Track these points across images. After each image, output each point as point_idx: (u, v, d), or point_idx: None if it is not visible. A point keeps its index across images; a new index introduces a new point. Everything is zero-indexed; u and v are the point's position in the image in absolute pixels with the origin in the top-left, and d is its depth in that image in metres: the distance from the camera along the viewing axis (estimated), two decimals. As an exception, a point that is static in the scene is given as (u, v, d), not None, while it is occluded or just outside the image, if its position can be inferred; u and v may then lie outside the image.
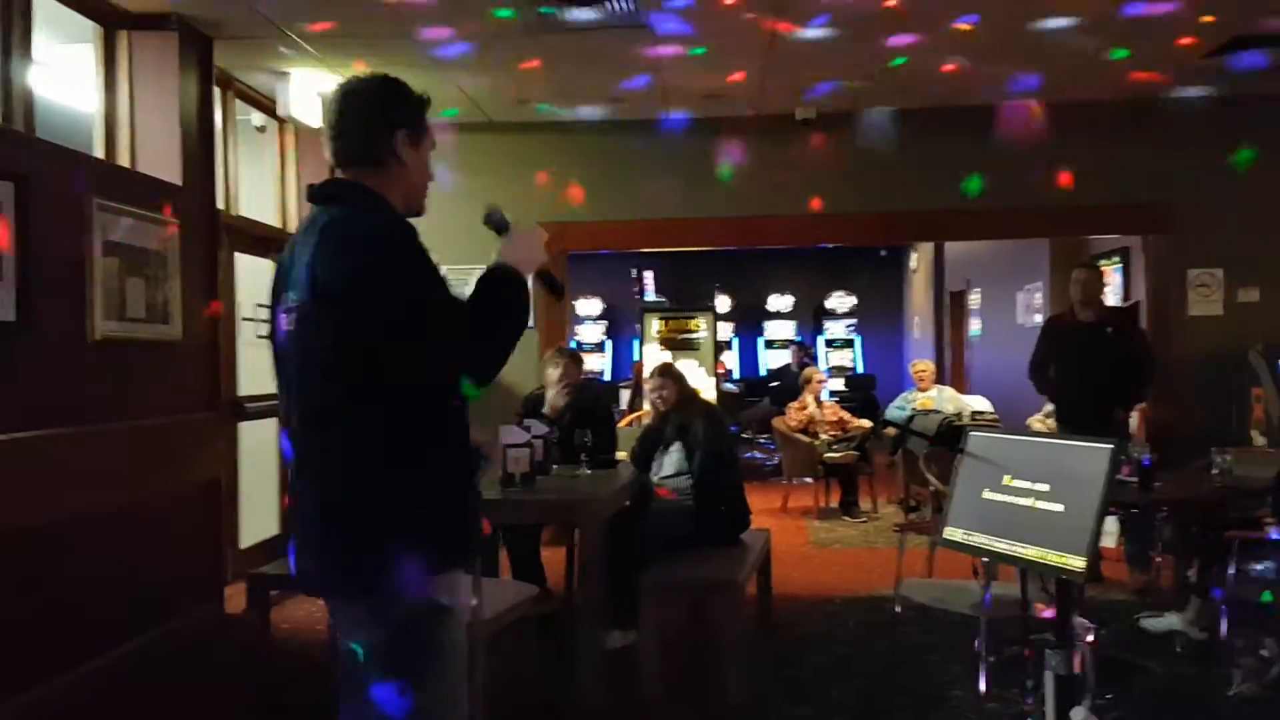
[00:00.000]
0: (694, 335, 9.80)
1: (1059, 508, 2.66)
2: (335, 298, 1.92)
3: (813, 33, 5.57)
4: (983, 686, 3.93)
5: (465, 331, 1.95)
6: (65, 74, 5.19)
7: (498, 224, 2.22)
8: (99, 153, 5.03)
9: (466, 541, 2.09)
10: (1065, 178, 7.12)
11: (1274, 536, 4.08)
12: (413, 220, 2.10)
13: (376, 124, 2.08)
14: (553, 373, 5.35)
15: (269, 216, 6.72)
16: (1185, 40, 5.81)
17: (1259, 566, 4.23)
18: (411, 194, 2.14)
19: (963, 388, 11.14)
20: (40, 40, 4.42)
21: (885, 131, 7.18)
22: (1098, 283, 6.08)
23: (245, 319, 6.19)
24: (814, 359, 14.30)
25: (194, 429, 5.24)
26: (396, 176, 2.10)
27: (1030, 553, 2.70)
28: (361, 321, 1.91)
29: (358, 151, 2.10)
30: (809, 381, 9.13)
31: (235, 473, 5.81)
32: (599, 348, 15.39)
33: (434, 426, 2.00)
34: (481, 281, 2.05)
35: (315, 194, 2.12)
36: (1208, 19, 5.45)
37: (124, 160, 5.12)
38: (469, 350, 1.95)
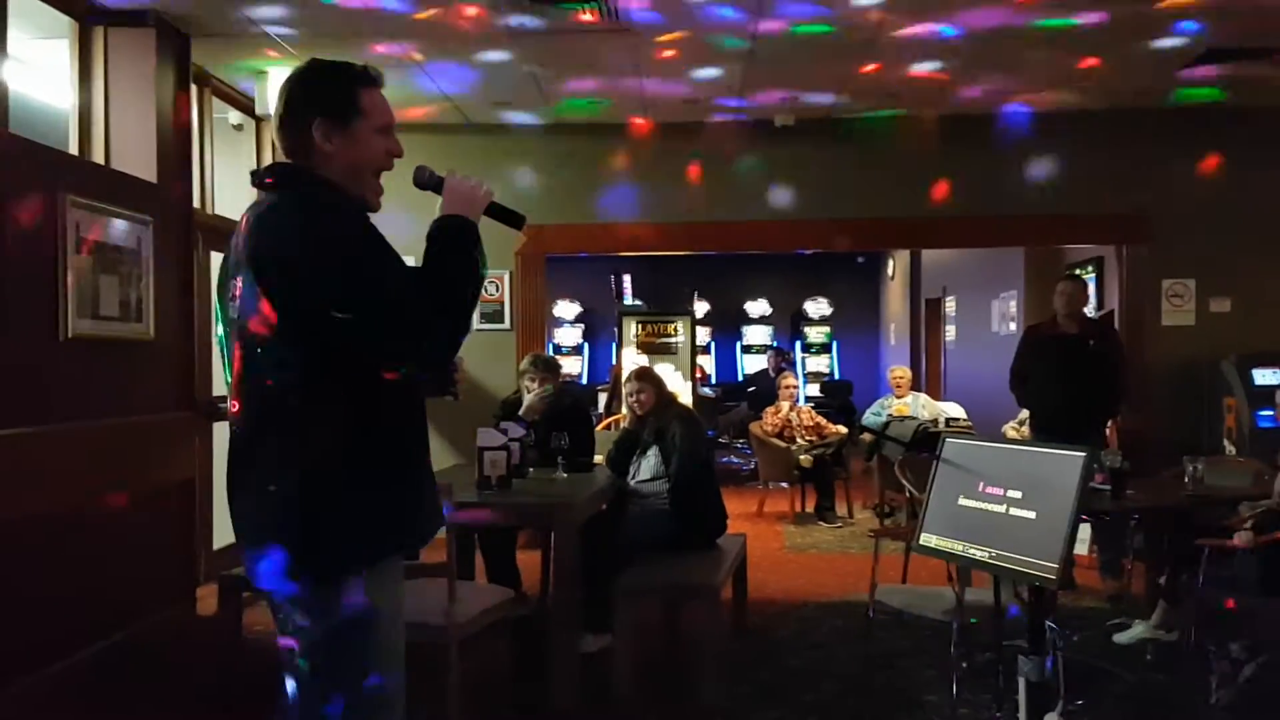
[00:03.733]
0: (672, 339, 9.80)
1: (1032, 515, 2.68)
2: (271, 285, 1.92)
3: (792, 40, 5.60)
4: (955, 692, 3.95)
5: (415, 305, 1.94)
6: (40, 70, 5.14)
7: (429, 182, 2.17)
8: (73, 150, 4.99)
9: (405, 532, 2.08)
10: (1041, 187, 7.19)
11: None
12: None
13: (296, 114, 2.06)
14: (530, 384, 5.34)
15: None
16: (1162, 52, 5.87)
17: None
18: (349, 180, 2.08)
19: (938, 394, 11.19)
20: (15, 35, 4.37)
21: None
22: (1082, 295, 6.11)
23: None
24: (791, 364, 14.34)
25: (167, 429, 5.19)
26: (330, 165, 2.06)
27: (1004, 559, 2.72)
28: (293, 309, 1.91)
29: (285, 143, 2.10)
30: (783, 386, 9.19)
31: (209, 473, 5.76)
32: (576, 351, 15.38)
33: (378, 415, 2.00)
34: (431, 238, 2.06)
35: (256, 179, 2.12)
36: (1184, 30, 5.51)
37: (99, 157, 5.07)
38: (429, 315, 1.95)
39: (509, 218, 2.26)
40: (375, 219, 2.10)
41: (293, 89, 2.08)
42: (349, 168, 2.07)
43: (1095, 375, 5.83)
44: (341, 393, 1.95)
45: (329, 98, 2.06)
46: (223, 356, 2.11)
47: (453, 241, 2.06)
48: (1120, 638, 4.84)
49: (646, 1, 5.04)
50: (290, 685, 2.02)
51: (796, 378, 10.33)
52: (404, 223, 2.64)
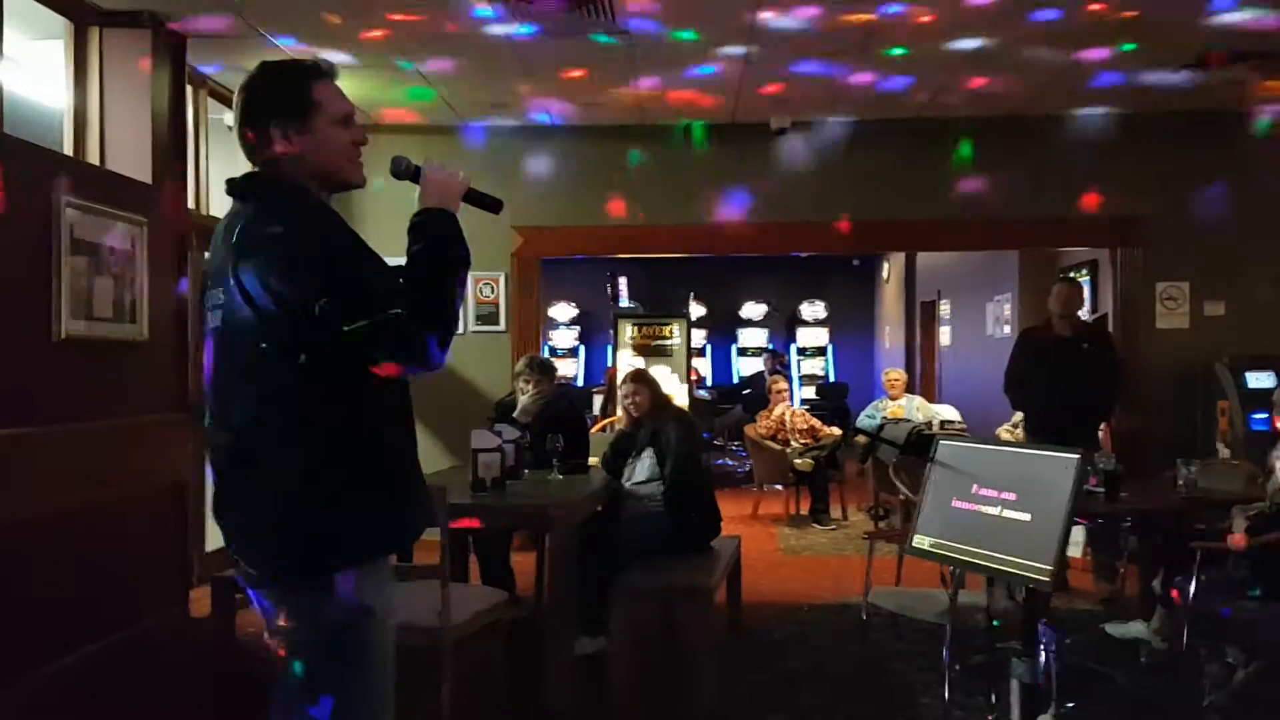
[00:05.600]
0: (667, 342, 9.80)
1: (1026, 517, 2.69)
2: (255, 293, 1.93)
3: (788, 40, 5.60)
4: (949, 694, 3.95)
5: (404, 295, 1.95)
6: (35, 70, 5.13)
7: (406, 172, 2.17)
8: (68, 150, 4.98)
9: (393, 531, 2.08)
10: (1035, 190, 7.20)
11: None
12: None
13: (253, 125, 2.06)
14: (525, 386, 5.34)
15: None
16: (1156, 55, 5.88)
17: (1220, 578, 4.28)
18: (325, 174, 2.09)
19: (933, 397, 11.21)
20: (10, 36, 4.37)
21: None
22: (1077, 297, 6.11)
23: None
24: (786, 367, 14.33)
25: (161, 430, 5.18)
26: (299, 165, 2.06)
27: (997, 561, 2.72)
28: (278, 319, 1.92)
29: (248, 153, 2.10)
30: (772, 390, 9.22)
31: (203, 474, 5.74)
32: (572, 353, 15.38)
33: (368, 416, 2.00)
34: (411, 231, 2.06)
35: (230, 188, 2.11)
36: (1177, 34, 5.53)
37: (94, 158, 5.06)
38: (415, 314, 1.95)
39: (488, 203, 2.26)
40: (374, 219, 2.09)
41: (245, 98, 2.08)
42: (317, 164, 2.07)
43: (1089, 378, 5.83)
44: (329, 395, 1.95)
45: (282, 100, 2.06)
46: (206, 363, 2.10)
47: (435, 233, 2.06)
48: (1113, 629, 4.84)
49: (644, 4, 5.05)
50: (283, 686, 2.02)
51: (789, 380, 10.33)
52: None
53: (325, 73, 2.11)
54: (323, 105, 2.07)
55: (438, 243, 2.05)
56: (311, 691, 1.97)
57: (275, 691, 2.04)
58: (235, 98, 2.10)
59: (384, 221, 3.87)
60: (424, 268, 2.01)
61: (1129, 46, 5.72)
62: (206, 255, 2.18)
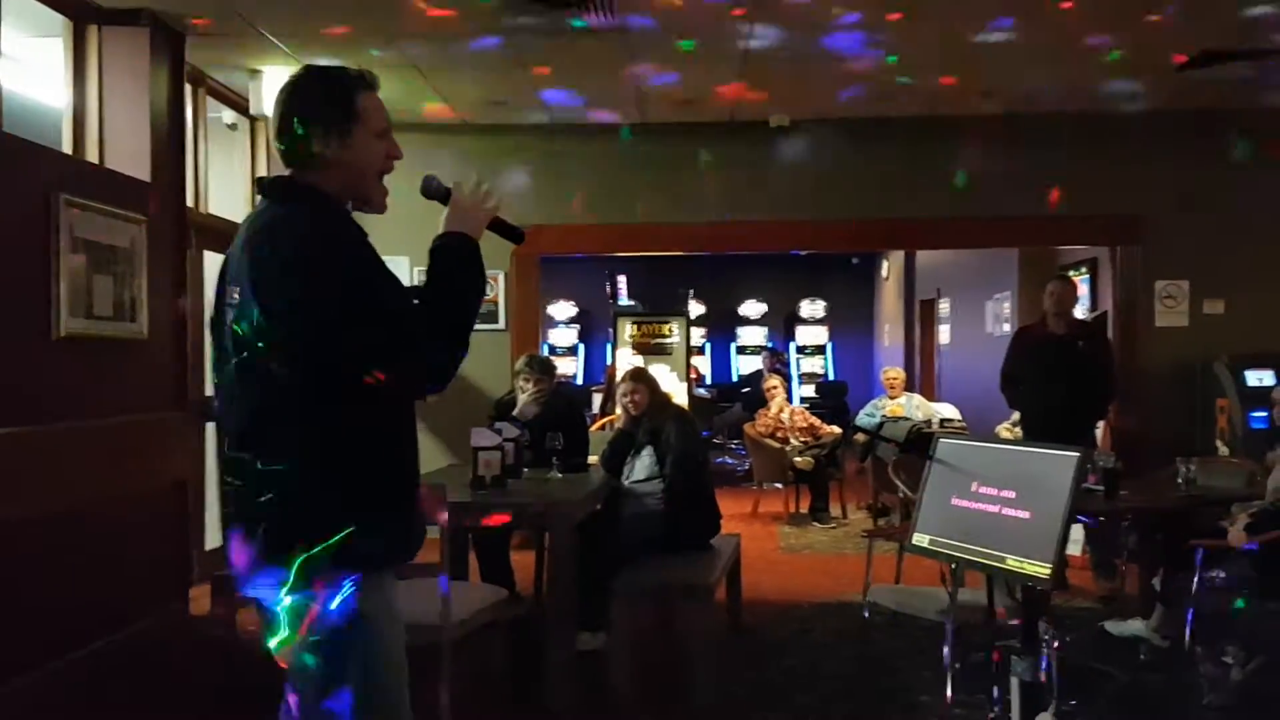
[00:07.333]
0: (666, 340, 9.80)
1: (1026, 514, 2.69)
2: (269, 299, 1.92)
3: (787, 42, 5.60)
4: (949, 692, 3.95)
5: (413, 323, 1.95)
6: (34, 68, 5.13)
7: (436, 192, 2.17)
8: (67, 149, 4.97)
9: (396, 545, 2.06)
10: (1036, 189, 7.20)
11: (1249, 547, 4.12)
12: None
13: (294, 125, 2.04)
14: (525, 384, 5.34)
15: (239, 214, 6.64)
16: (1156, 54, 5.88)
17: (1221, 574, 4.29)
18: (352, 186, 2.08)
19: (932, 395, 11.21)
20: (9, 34, 4.37)
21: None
22: (1071, 295, 6.11)
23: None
24: (785, 365, 14.33)
25: (161, 428, 5.18)
26: (331, 172, 2.05)
27: (997, 559, 2.72)
28: (288, 324, 1.91)
29: (284, 153, 2.08)
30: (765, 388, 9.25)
31: (202, 473, 5.75)
32: (571, 351, 15.38)
33: (372, 424, 1.99)
34: (432, 254, 2.06)
35: (260, 187, 2.12)
36: (1178, 33, 5.53)
37: (93, 156, 5.06)
38: (427, 336, 1.95)
39: (509, 232, 2.27)
40: (380, 222, 2.09)
41: (288, 98, 2.06)
42: (350, 174, 2.06)
43: (1084, 376, 5.83)
44: (333, 400, 1.94)
45: (325, 106, 2.04)
46: (214, 361, 2.10)
47: (455, 260, 2.06)
48: (1112, 626, 4.84)
49: (643, 2, 5.04)
50: (290, 696, 2.00)
51: (787, 379, 10.35)
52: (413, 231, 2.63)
53: (369, 84, 2.09)
54: (364, 117, 2.06)
55: (458, 270, 2.06)
56: (317, 697, 1.96)
57: (283, 697, 2.03)
58: (276, 96, 2.08)
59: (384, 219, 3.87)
60: (441, 292, 2.02)
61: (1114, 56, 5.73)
62: (211, 256, 2.18)
